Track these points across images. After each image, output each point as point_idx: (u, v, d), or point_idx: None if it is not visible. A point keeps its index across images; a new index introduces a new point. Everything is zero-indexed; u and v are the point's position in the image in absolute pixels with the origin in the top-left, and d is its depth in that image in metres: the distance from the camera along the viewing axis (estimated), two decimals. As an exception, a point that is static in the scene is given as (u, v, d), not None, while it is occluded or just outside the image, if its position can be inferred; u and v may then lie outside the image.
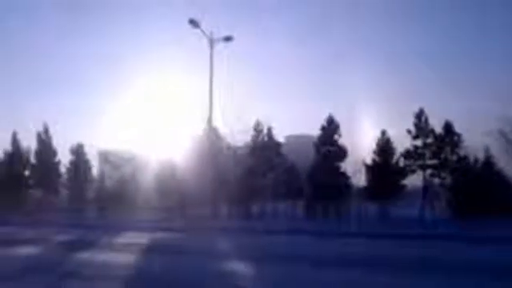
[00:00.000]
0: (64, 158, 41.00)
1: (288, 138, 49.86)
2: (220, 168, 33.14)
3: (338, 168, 31.46)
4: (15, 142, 41.40)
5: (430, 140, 30.84)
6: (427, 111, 31.11)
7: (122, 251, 15.90)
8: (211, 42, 30.84)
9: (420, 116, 30.97)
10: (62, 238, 21.73)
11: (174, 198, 34.50)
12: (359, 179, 32.44)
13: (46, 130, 40.61)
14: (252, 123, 34.91)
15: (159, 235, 22.75)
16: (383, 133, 31.33)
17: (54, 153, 40.65)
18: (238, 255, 13.83)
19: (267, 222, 28.60)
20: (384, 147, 31.05)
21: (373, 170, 30.92)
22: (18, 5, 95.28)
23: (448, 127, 30.60)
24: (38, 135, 40.48)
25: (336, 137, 31.87)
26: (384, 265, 11.63)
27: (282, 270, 11.03)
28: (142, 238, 20.37)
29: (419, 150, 30.80)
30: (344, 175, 31.47)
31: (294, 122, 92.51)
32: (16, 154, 41.07)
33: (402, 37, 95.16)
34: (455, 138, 30.42)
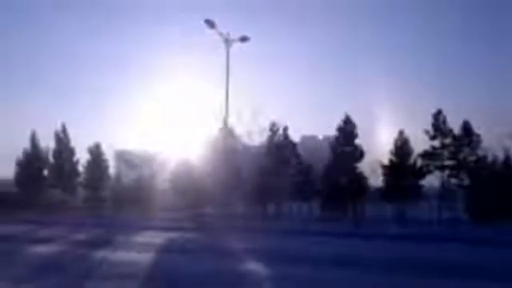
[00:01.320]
0: (82, 157, 41.49)
1: (303, 138, 49.79)
2: (236, 168, 33.20)
3: (354, 168, 31.24)
4: (34, 141, 41.92)
5: (447, 140, 30.48)
6: (445, 111, 30.79)
7: (139, 250, 16.01)
8: (227, 43, 30.85)
9: (438, 116, 30.63)
10: (80, 236, 21.97)
11: (190, 197, 34.60)
12: (376, 180, 32.21)
13: (64, 130, 41.04)
14: (267, 123, 34.92)
15: (176, 235, 22.86)
16: (400, 133, 31.04)
17: (71, 152, 41.08)
18: (263, 256, 13.77)
19: (284, 223, 28.57)
20: (401, 147, 30.76)
21: (390, 170, 30.65)
22: (36, 7, 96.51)
23: (466, 127, 30.22)
24: (56, 135, 40.93)
25: (353, 137, 31.64)
26: (409, 268, 11.45)
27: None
28: (159, 237, 20.50)
29: (437, 151, 30.46)
30: (361, 175, 31.24)
31: (309, 122, 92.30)
32: (35, 154, 41.60)
33: (420, 37, 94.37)
34: (474, 138, 30.03)
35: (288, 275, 10.45)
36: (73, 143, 41.41)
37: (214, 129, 36.07)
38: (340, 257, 13.68)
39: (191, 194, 34.49)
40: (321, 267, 11.58)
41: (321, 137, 51.87)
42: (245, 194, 33.50)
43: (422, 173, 30.67)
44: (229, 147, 32.36)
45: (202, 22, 29.60)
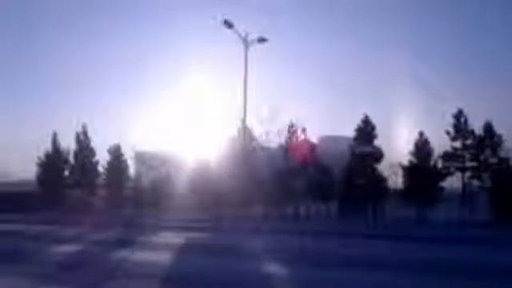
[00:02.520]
0: (102, 157, 42.01)
1: (322, 138, 49.48)
2: (254, 168, 33.22)
3: (373, 169, 31.00)
4: (55, 142, 42.59)
5: (469, 141, 30.07)
6: (466, 112, 30.39)
7: (160, 250, 16.13)
8: (245, 43, 30.96)
9: (459, 117, 30.27)
10: (101, 236, 22.23)
11: (209, 198, 34.71)
12: (395, 181, 31.91)
13: (85, 131, 41.61)
14: (286, 124, 34.85)
15: (195, 235, 22.97)
16: (421, 134, 30.70)
17: (92, 153, 41.62)
18: (287, 258, 13.65)
19: (303, 224, 28.47)
20: (421, 148, 30.41)
21: (410, 171, 30.33)
22: (53, 8, 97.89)
23: (488, 128, 29.77)
24: (77, 136, 41.52)
25: (372, 138, 31.40)
26: (437, 270, 11.30)
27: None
28: (179, 238, 20.61)
29: (458, 152, 30.08)
30: (380, 177, 30.99)
31: (328, 122, 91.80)
32: (56, 155, 42.26)
33: (440, 37, 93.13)
34: (496, 138, 29.56)
35: (316, 278, 10.35)
36: (93, 144, 42.04)
37: (232, 129, 36.19)
38: (367, 259, 13.44)
39: (210, 195, 34.60)
40: (349, 269, 11.41)
41: (339, 138, 51.47)
42: (263, 194, 33.47)
43: (442, 174, 30.31)
44: (247, 148, 32.42)
45: (220, 23, 29.93)
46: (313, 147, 34.13)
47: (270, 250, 15.67)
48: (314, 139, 36.40)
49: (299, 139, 34.38)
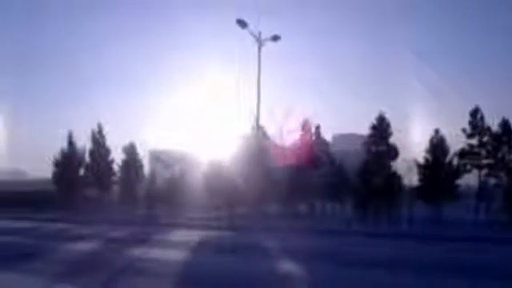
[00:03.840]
0: (117, 155, 42.31)
1: (336, 136, 49.38)
2: (268, 167, 33.20)
3: (389, 167, 30.73)
4: (71, 141, 42.99)
5: (485, 139, 29.66)
6: (483, 109, 29.97)
7: (174, 248, 16.22)
8: (259, 42, 30.95)
9: (475, 114, 29.82)
10: (116, 234, 22.44)
11: (223, 196, 34.79)
12: (411, 179, 31.61)
13: (100, 130, 41.92)
14: (300, 122, 34.76)
15: (209, 233, 23.04)
16: (436, 131, 30.35)
17: (107, 152, 41.94)
18: (303, 256, 13.62)
19: (317, 222, 28.42)
20: (437, 146, 30.06)
21: (425, 169, 30.00)
22: (69, 8, 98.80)
23: (505, 125, 29.31)
24: (93, 135, 41.85)
25: (387, 135, 31.15)
26: (461, 270, 11.17)
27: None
28: (193, 236, 20.71)
29: (475, 149, 29.67)
30: (395, 175, 30.72)
31: (341, 120, 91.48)
32: (72, 154, 42.66)
33: (456, 35, 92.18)
34: (513, 136, 29.09)
35: (335, 277, 10.26)
36: (108, 142, 42.34)
37: (246, 128, 36.20)
38: (385, 258, 13.35)
39: (224, 193, 34.67)
40: (369, 268, 11.31)
41: (353, 135, 51.27)
42: (277, 193, 33.45)
43: (458, 172, 29.93)
44: (261, 146, 32.40)
45: (234, 22, 29.96)
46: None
47: (287, 250, 15.63)
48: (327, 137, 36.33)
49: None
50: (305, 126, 34.58)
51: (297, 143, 34.95)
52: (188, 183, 38.49)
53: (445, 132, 30.69)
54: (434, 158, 30.05)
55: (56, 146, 43.90)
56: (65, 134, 43.48)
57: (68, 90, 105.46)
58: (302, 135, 34.65)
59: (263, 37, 30.92)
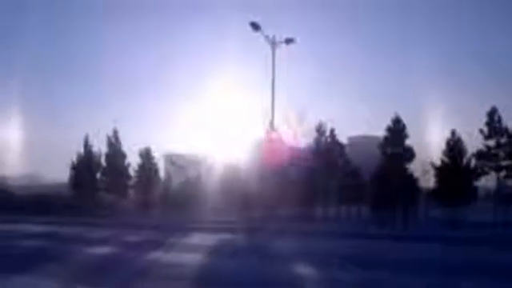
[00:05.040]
0: (132, 160, 42.63)
1: (351, 139, 49.09)
2: (282, 170, 33.15)
3: (405, 170, 30.49)
4: (87, 145, 43.42)
5: (503, 140, 29.29)
6: (500, 110, 29.63)
7: (191, 252, 16.22)
8: (273, 45, 30.99)
9: (492, 115, 29.49)
10: (132, 238, 22.56)
11: (238, 199, 34.83)
12: (427, 181, 31.34)
13: (116, 134, 42.29)
14: (314, 124, 34.67)
15: (226, 236, 23.04)
16: (453, 133, 30.06)
17: (123, 156, 42.26)
18: (321, 260, 13.47)
19: (334, 225, 28.30)
20: (454, 148, 29.77)
21: (442, 171, 29.73)
22: (87, 13, 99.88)
23: (523, 126, 28.92)
24: (108, 139, 42.23)
25: (403, 137, 30.92)
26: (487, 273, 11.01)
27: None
28: (209, 239, 20.74)
29: (492, 151, 29.32)
30: (411, 177, 30.47)
31: (356, 122, 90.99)
32: (88, 158, 43.08)
33: (471, 35, 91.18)
34: (531, 137, 28.71)
35: (358, 281, 10.13)
36: (124, 145, 42.70)
37: (260, 131, 36.22)
38: (407, 261, 13.15)
39: (239, 196, 34.71)
40: (394, 272, 11.07)
41: (368, 137, 50.97)
42: (292, 196, 33.35)
43: (476, 174, 29.59)
44: (275, 149, 32.38)
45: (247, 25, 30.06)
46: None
47: (311, 253, 15.53)
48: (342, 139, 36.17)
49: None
50: (320, 128, 34.47)
51: (311, 145, 34.88)
52: (203, 186, 38.63)
53: (461, 133, 30.44)
54: (450, 159, 29.78)
55: (72, 150, 44.34)
56: (81, 137, 43.98)
57: (84, 94, 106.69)
58: (316, 137, 34.55)
59: (277, 39, 30.94)
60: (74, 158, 43.59)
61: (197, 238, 21.72)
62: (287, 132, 35.70)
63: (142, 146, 42.10)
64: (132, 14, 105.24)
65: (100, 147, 43.10)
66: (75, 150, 43.95)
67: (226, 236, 23.22)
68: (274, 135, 32.86)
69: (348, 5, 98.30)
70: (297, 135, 35.48)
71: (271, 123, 32.50)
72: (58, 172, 49.07)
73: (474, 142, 30.12)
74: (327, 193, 33.30)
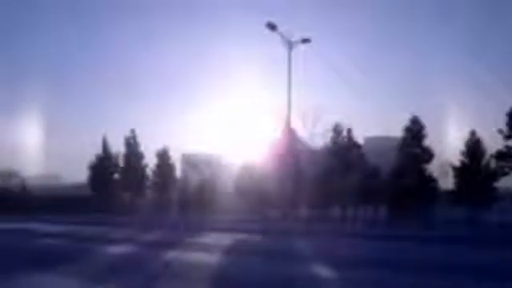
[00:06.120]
0: (150, 159, 42.99)
1: (368, 139, 48.79)
2: (299, 170, 33.07)
3: (423, 170, 30.18)
4: (105, 146, 43.91)
5: (524, 140, 28.78)
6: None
7: (207, 251, 16.23)
8: (289, 45, 30.89)
9: (512, 115, 28.99)
10: (149, 237, 22.71)
11: (254, 199, 34.86)
12: (446, 182, 30.98)
13: (134, 135, 42.71)
14: (331, 124, 34.53)
15: (242, 236, 23.00)
16: (472, 133, 29.66)
17: (140, 156, 42.65)
18: (338, 261, 13.23)
19: (350, 226, 28.12)
20: (473, 148, 29.37)
21: (461, 172, 29.35)
22: (103, 12, 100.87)
23: (543, 126, 28.37)
24: (126, 140, 42.64)
25: (421, 138, 30.60)
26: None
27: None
28: (226, 239, 20.71)
29: (512, 151, 28.84)
30: (430, 178, 30.13)
31: (373, 122, 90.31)
32: (106, 159, 43.58)
33: (492, 34, 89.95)
34: (552, 136, 28.15)
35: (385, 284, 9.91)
36: (141, 146, 43.08)
37: (276, 131, 36.17)
38: (433, 262, 12.84)
39: (255, 196, 34.75)
40: (421, 275, 10.77)
41: (385, 138, 50.57)
42: (308, 196, 33.27)
43: (496, 174, 29.14)
44: (292, 149, 32.32)
45: (264, 25, 30.02)
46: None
47: (319, 254, 15.43)
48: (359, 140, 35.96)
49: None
50: (336, 129, 34.32)
51: (328, 146, 34.74)
52: (219, 186, 38.77)
53: (482, 133, 30.04)
54: (470, 160, 29.39)
55: (91, 151, 44.94)
56: (99, 138, 44.50)
57: (103, 94, 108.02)
58: (333, 138, 34.40)
59: (294, 38, 30.85)
60: (93, 159, 44.13)
61: (212, 238, 21.71)
62: (303, 132, 35.59)
63: (159, 146, 42.46)
64: (150, 14, 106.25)
65: (119, 148, 43.61)
66: (94, 151, 44.53)
67: (242, 236, 23.17)
68: (289, 135, 32.76)
69: (364, 5, 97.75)
70: (313, 135, 35.37)
71: (287, 123, 32.41)
72: (77, 173, 49.74)
73: (493, 142, 29.71)
74: (344, 193, 33.09)
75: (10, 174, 65.66)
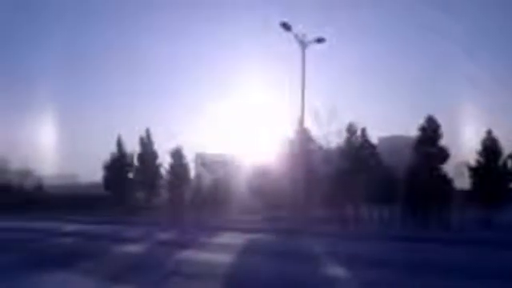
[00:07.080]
0: (164, 160, 43.17)
1: (382, 139, 48.45)
2: (312, 170, 32.93)
3: (438, 170, 29.82)
4: (120, 145, 44.26)
5: (542, 139, 28.36)
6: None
7: (221, 251, 16.27)
8: (303, 45, 30.78)
9: (530, 114, 28.60)
10: (163, 236, 22.87)
11: (267, 200, 34.82)
12: (462, 182, 30.60)
13: (148, 135, 42.99)
14: (345, 124, 34.29)
15: (255, 236, 23.03)
16: (489, 133, 29.27)
17: (155, 156, 42.90)
18: (351, 262, 13.20)
19: (364, 227, 27.99)
20: (490, 148, 28.99)
21: (477, 172, 28.98)
22: (119, 10, 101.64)
23: None
24: (141, 139, 42.94)
25: (436, 137, 30.24)
26: None
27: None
28: (239, 239, 20.77)
29: (530, 151, 28.41)
30: (445, 178, 29.78)
31: (387, 122, 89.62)
32: (121, 158, 43.93)
33: (504, 34, 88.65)
34: None
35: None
36: (156, 145, 43.32)
37: (290, 131, 36.04)
38: (461, 265, 12.57)
39: (269, 197, 34.68)
40: (442, 279, 10.62)
41: (400, 138, 50.15)
42: (322, 196, 33.11)
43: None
44: (305, 149, 32.19)
45: (278, 25, 29.96)
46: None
47: (334, 255, 15.31)
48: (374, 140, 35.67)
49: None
50: (350, 128, 34.09)
51: (342, 146, 34.50)
52: (233, 186, 38.76)
53: (497, 133, 29.63)
54: (486, 160, 29.01)
55: (107, 150, 45.35)
56: (115, 138, 44.86)
57: (118, 94, 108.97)
58: (347, 137, 34.18)
59: (308, 39, 30.72)
60: (108, 159, 44.51)
61: (226, 238, 21.79)
62: (317, 132, 35.40)
63: (173, 146, 42.64)
64: (165, 12, 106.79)
65: (133, 147, 43.92)
66: (109, 150, 44.92)
67: (256, 236, 23.21)
68: (303, 135, 32.62)
69: (378, 4, 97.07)
70: (326, 135, 35.14)
71: (301, 123, 32.28)
72: (93, 172, 50.20)
73: (510, 143, 29.29)
74: (358, 193, 32.86)
75: (27, 173, 66.51)
